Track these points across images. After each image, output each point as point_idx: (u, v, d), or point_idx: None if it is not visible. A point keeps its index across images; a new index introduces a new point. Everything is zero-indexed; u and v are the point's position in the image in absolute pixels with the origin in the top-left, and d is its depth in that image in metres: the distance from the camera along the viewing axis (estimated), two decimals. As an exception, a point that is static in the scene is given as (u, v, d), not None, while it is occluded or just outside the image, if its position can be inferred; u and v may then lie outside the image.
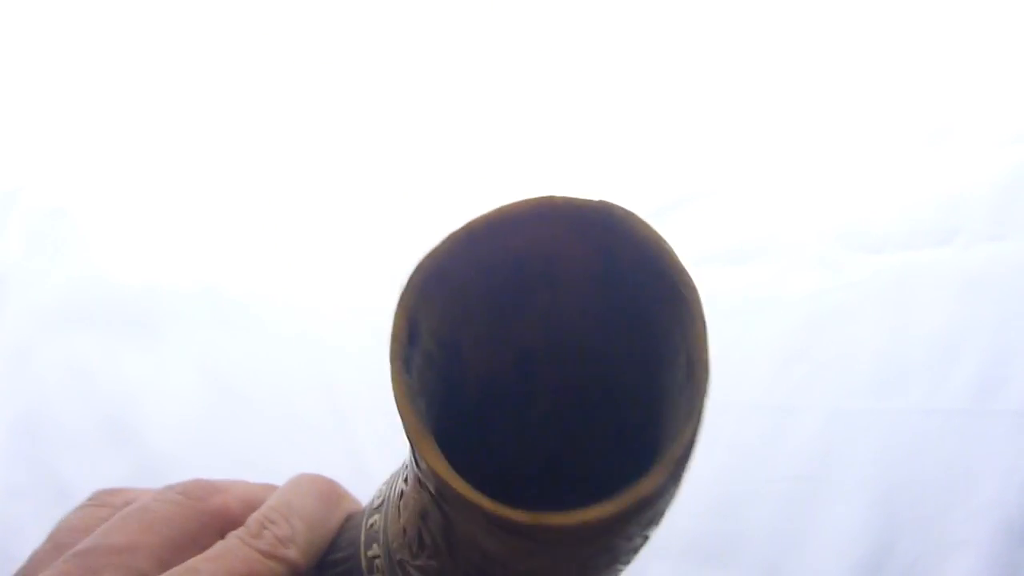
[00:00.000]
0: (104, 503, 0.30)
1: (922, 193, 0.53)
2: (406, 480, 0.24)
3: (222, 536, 0.29)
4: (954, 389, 0.49)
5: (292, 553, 0.27)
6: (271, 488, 0.31)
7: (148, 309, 0.55)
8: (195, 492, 0.30)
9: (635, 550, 0.23)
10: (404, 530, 0.24)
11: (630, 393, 0.23)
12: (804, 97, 0.56)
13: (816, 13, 0.58)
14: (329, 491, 0.31)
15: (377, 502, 0.28)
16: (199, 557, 0.27)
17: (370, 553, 0.27)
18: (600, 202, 0.21)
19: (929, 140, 0.54)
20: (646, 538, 0.23)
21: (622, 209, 0.21)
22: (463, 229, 0.19)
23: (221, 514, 0.30)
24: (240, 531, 0.28)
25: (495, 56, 0.59)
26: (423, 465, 0.19)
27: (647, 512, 0.21)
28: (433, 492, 0.20)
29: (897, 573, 0.46)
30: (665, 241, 0.21)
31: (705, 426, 0.20)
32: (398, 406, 0.19)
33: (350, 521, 0.29)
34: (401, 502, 0.24)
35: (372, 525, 0.27)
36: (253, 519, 0.29)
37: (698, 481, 0.52)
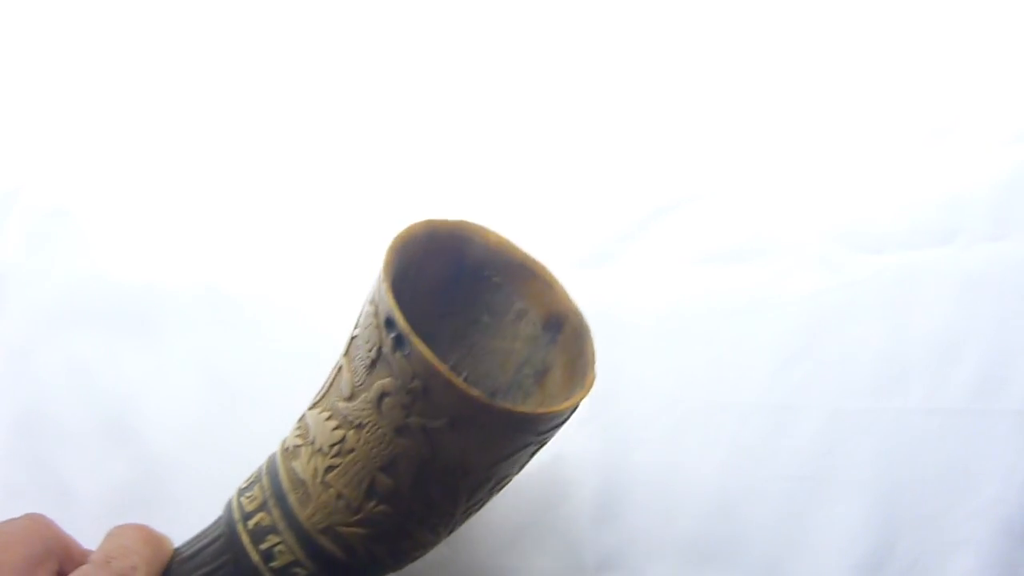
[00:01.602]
0: None
1: (922, 193, 0.53)
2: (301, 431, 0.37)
3: (60, 566, 0.32)
4: (954, 389, 0.49)
5: None
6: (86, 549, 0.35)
7: (148, 309, 0.55)
8: (39, 519, 0.33)
9: (530, 456, 0.37)
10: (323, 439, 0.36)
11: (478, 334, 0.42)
12: (804, 97, 0.56)
13: (815, 13, 0.58)
14: (149, 535, 0.35)
15: (246, 484, 0.37)
16: None
17: (251, 523, 0.35)
18: (456, 222, 0.39)
19: (929, 140, 0.54)
20: (538, 449, 0.37)
21: (474, 226, 0.39)
22: (402, 234, 0.37)
23: (62, 541, 0.33)
24: (88, 566, 0.31)
25: (493, 57, 0.59)
26: (415, 353, 0.32)
27: (561, 421, 0.35)
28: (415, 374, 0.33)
29: (897, 573, 0.46)
30: (511, 241, 0.40)
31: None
32: (396, 314, 0.33)
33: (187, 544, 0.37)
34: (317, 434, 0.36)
35: (250, 500, 0.36)
36: (96, 557, 0.33)
37: (698, 481, 0.52)
